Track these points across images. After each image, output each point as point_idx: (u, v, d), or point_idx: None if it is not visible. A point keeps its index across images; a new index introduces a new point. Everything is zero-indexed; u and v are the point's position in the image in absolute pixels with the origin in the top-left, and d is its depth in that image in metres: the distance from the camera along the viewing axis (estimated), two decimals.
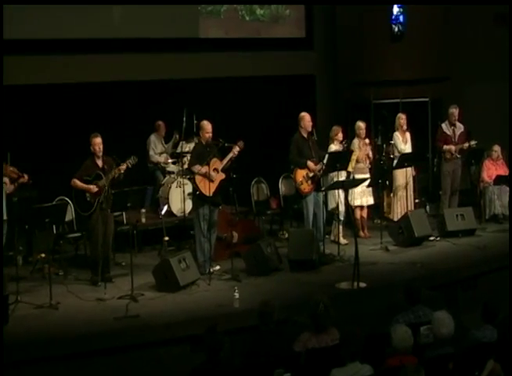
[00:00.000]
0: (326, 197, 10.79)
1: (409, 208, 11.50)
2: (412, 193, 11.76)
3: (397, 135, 11.76)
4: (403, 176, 11.61)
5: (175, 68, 13.00)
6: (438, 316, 6.07)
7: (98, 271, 9.27)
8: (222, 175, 9.64)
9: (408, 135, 11.78)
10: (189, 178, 10.74)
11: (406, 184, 11.63)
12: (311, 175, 10.30)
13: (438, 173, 12.34)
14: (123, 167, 9.08)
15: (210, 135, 9.62)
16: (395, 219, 11.57)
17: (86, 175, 9.14)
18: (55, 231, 9.85)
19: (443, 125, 11.98)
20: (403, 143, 11.71)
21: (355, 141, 11.31)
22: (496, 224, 11.94)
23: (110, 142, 9.46)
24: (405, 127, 11.70)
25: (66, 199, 9.87)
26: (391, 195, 11.90)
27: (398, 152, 11.68)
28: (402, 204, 11.69)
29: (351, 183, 10.50)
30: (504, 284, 8.97)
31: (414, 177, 11.83)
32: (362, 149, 11.26)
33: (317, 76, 14.85)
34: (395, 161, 11.58)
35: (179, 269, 8.95)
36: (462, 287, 9.46)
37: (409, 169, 11.57)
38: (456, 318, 6.12)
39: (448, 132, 11.90)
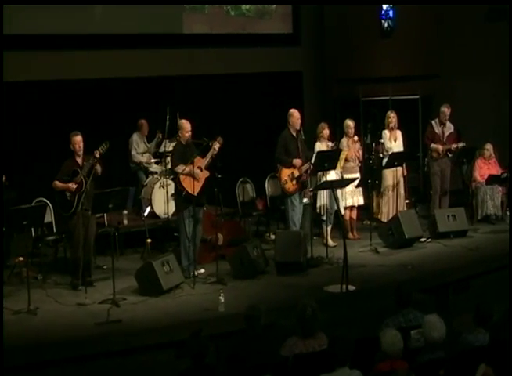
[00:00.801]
0: (314, 197, 10.81)
1: (400, 209, 11.52)
2: (402, 193, 11.76)
3: (385, 133, 11.78)
4: (392, 176, 11.62)
5: (158, 65, 12.98)
6: (428, 320, 6.08)
7: (78, 275, 9.24)
8: (207, 173, 9.66)
9: (398, 133, 11.78)
10: (172, 179, 10.72)
11: (397, 184, 11.65)
12: (296, 174, 10.31)
13: (429, 173, 12.37)
14: (96, 155, 9.04)
15: (190, 133, 9.63)
16: (384, 220, 11.59)
17: (66, 175, 9.13)
18: (33, 234, 9.80)
19: (433, 123, 12.01)
20: (391, 141, 11.70)
21: (344, 140, 11.33)
22: (489, 225, 11.98)
23: (91, 141, 9.42)
24: (392, 125, 11.68)
25: (46, 200, 9.84)
26: (380, 195, 11.90)
27: (385, 150, 11.70)
28: (391, 204, 11.71)
29: (339, 183, 10.52)
30: (497, 287, 9.03)
31: (405, 177, 11.85)
32: (351, 147, 11.27)
33: (304, 73, 14.87)
34: (384, 160, 11.61)
35: (162, 272, 8.94)
36: (453, 289, 9.48)
37: (399, 169, 11.58)
38: (447, 321, 6.13)
39: (437, 131, 11.94)
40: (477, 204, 12.17)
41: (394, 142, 11.70)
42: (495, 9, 14.05)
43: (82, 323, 8.06)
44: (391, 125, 11.70)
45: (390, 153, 11.56)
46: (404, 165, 11.69)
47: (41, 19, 11.87)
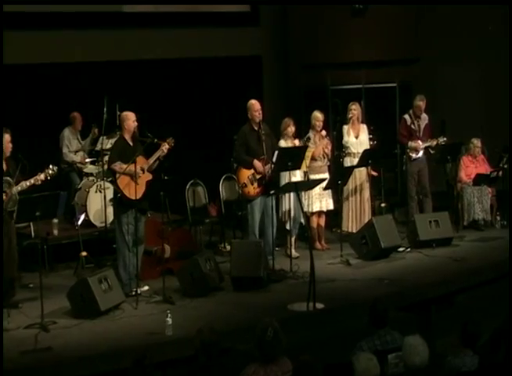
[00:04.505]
0: (276, 201, 10.83)
1: (364, 219, 11.54)
2: (367, 198, 11.70)
3: (344, 127, 11.83)
4: (352, 179, 11.58)
5: (94, 48, 12.90)
6: (408, 342, 6.13)
7: None
8: (149, 176, 9.63)
9: (362, 127, 11.78)
10: (110, 181, 10.67)
11: (360, 188, 11.64)
12: (257, 176, 10.34)
13: (406, 173, 12.45)
14: (40, 177, 9.01)
15: (136, 124, 9.60)
16: (346, 230, 11.56)
17: None
18: None
19: (406, 117, 12.12)
20: (352, 136, 11.73)
21: (310, 135, 11.35)
22: (476, 231, 12.13)
23: (15, 138, 9.33)
24: (354, 118, 11.72)
25: None
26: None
27: (343, 147, 11.74)
28: (353, 212, 11.69)
29: (305, 185, 10.55)
30: (485, 303, 9.12)
31: (371, 178, 11.82)
32: (318, 144, 11.30)
33: (264, 57, 14.90)
34: (346, 159, 11.64)
35: (100, 290, 8.90)
36: (437, 306, 9.57)
37: (361, 170, 11.54)
38: (430, 343, 6.18)
39: (412, 126, 12.05)
40: (463, 207, 12.29)
41: (355, 138, 11.74)
42: None
43: (5, 351, 7.95)
44: (352, 118, 11.77)
45: (347, 150, 11.64)
46: (371, 165, 11.68)
47: None
